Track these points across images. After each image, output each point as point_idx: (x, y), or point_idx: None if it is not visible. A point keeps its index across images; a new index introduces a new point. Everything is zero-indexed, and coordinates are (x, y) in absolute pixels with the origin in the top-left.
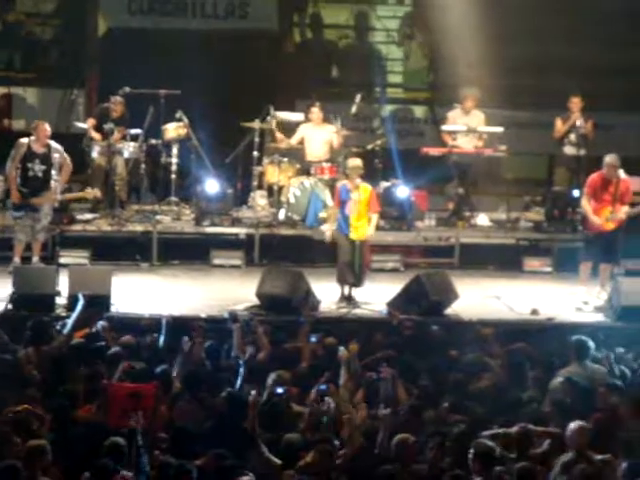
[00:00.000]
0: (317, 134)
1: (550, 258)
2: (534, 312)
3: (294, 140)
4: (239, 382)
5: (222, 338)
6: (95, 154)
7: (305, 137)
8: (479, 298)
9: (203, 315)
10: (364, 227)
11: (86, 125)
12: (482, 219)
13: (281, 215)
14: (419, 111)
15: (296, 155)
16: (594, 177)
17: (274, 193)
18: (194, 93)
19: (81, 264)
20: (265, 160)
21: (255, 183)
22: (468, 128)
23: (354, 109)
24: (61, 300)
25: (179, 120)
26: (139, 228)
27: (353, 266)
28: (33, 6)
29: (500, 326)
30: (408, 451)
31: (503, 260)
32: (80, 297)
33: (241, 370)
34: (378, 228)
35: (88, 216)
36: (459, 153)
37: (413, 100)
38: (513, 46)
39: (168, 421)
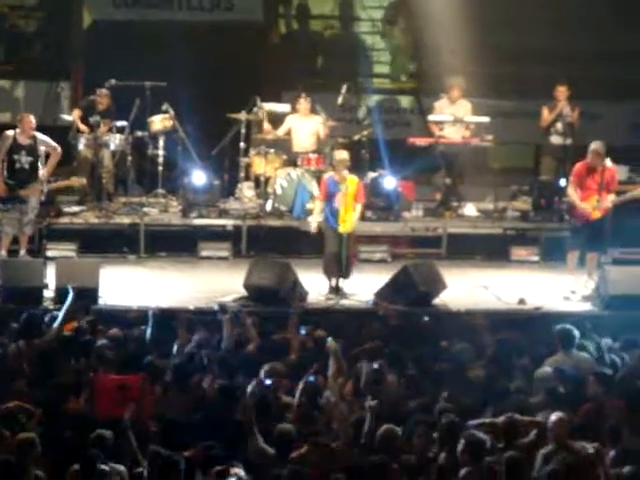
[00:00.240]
0: (304, 125)
1: (537, 247)
2: (521, 302)
3: (281, 131)
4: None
5: (211, 330)
6: (81, 146)
7: (292, 128)
8: (467, 288)
9: (191, 307)
10: (351, 219)
11: (72, 117)
12: (469, 209)
13: (268, 206)
14: (405, 101)
15: (283, 146)
16: (579, 166)
17: (261, 184)
18: (180, 85)
19: (68, 257)
20: (252, 151)
21: (242, 174)
22: (455, 118)
23: (340, 100)
24: (49, 293)
25: (165, 112)
26: (126, 220)
27: (340, 258)
28: None
29: (488, 316)
30: (394, 442)
31: (490, 250)
32: (70, 289)
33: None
34: (365, 219)
35: (75, 209)
36: (446, 143)
37: (399, 90)
38: (497, 34)
39: (158, 412)
